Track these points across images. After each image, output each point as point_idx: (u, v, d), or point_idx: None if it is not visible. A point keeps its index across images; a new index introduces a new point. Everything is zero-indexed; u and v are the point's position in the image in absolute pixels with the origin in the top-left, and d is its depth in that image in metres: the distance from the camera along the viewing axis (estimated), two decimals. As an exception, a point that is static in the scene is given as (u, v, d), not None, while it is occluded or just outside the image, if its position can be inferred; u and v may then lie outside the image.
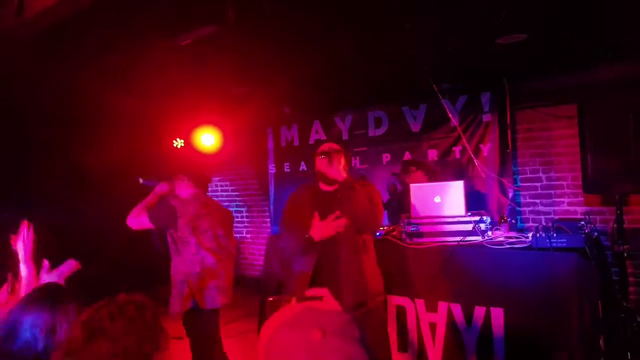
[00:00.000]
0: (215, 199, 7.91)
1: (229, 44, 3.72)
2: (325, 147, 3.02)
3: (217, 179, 7.96)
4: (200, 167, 3.92)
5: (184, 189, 3.53)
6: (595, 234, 3.69)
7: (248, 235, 7.57)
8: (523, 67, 4.73)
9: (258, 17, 3.22)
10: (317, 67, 4.54)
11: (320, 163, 2.97)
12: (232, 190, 7.78)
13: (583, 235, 3.23)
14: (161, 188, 3.55)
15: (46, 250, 2.60)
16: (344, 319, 0.96)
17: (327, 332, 0.90)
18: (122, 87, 4.77)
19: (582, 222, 3.39)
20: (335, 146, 3.02)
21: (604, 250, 3.91)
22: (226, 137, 6.66)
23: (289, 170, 6.84)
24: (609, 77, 4.35)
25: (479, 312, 3.42)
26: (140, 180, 3.67)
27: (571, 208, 4.84)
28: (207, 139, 6.58)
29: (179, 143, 7.06)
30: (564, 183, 4.89)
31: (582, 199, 4.77)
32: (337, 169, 2.96)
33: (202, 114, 6.23)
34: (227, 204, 7.78)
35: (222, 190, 7.92)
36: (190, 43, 3.57)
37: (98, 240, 5.55)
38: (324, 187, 3.05)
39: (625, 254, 3.93)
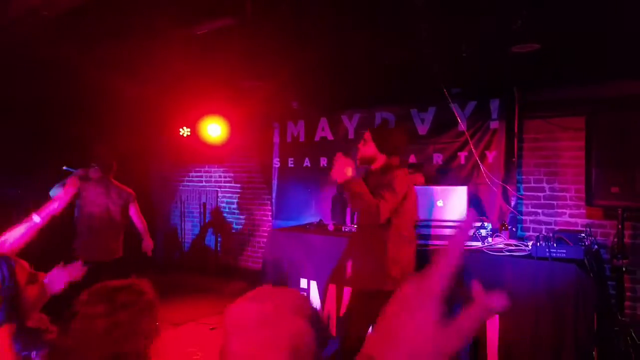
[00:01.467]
0: (219, 189, 7.97)
1: (242, 37, 3.73)
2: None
3: (222, 169, 8.00)
4: (106, 157, 4.74)
5: (94, 174, 4.61)
6: (595, 246, 3.72)
7: (248, 227, 7.60)
8: (534, 77, 4.73)
9: (273, 12, 3.24)
10: (328, 65, 4.55)
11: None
12: (235, 182, 7.81)
13: (583, 248, 3.26)
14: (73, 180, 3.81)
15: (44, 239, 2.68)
16: (297, 296, 1.07)
17: (278, 305, 0.99)
18: (130, 75, 4.78)
19: (583, 235, 3.42)
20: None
21: (602, 264, 3.93)
22: (233, 129, 6.71)
23: (292, 165, 6.86)
24: (618, 92, 4.36)
25: (475, 317, 3.45)
26: (64, 167, 4.42)
27: (572, 220, 4.85)
28: (214, 129, 6.64)
29: (185, 132, 7.14)
30: (567, 195, 4.90)
31: (584, 211, 4.78)
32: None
33: (210, 104, 6.27)
34: (229, 195, 7.82)
35: (225, 182, 7.95)
36: (206, 33, 3.60)
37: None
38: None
39: (624, 269, 3.95)
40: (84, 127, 5.89)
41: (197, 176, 8.37)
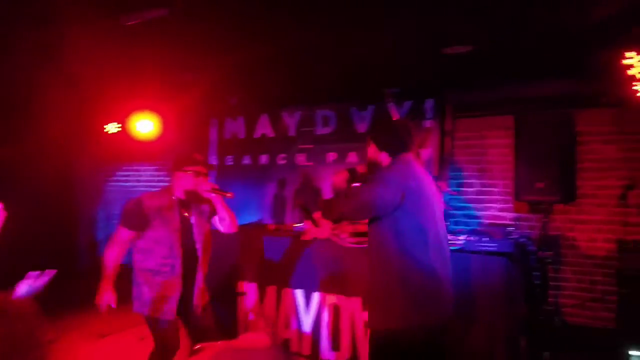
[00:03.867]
0: (151, 190, 7.60)
1: (173, 28, 3.60)
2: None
3: (153, 168, 7.64)
4: None
5: None
6: (522, 239, 3.95)
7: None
8: (465, 78, 4.96)
9: (205, 2, 3.15)
10: (266, 60, 4.48)
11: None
12: (169, 182, 7.51)
13: (511, 241, 3.45)
14: None
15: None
16: (271, 355, 0.88)
17: None
18: (53, 66, 4.46)
19: (511, 228, 3.63)
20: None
21: (529, 256, 4.18)
22: (166, 125, 6.40)
23: (231, 163, 6.74)
24: (543, 92, 4.66)
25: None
26: None
27: (501, 214, 5.14)
28: (145, 125, 6.28)
29: (113, 128, 6.70)
30: (496, 190, 5.18)
31: (511, 205, 5.07)
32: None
33: (141, 98, 5.95)
34: (164, 193, 7.50)
35: (157, 181, 7.60)
36: (134, 24, 3.44)
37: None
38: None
39: (548, 260, 4.23)
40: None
41: (124, 176, 7.93)
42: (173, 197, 3.11)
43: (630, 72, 3.43)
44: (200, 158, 3.20)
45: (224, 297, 4.34)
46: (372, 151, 2.73)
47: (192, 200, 3.14)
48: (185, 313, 3.10)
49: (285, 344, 4.02)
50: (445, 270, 2.53)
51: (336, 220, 2.80)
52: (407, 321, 2.38)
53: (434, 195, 2.61)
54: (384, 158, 2.67)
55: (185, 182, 3.08)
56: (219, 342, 1.13)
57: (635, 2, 2.90)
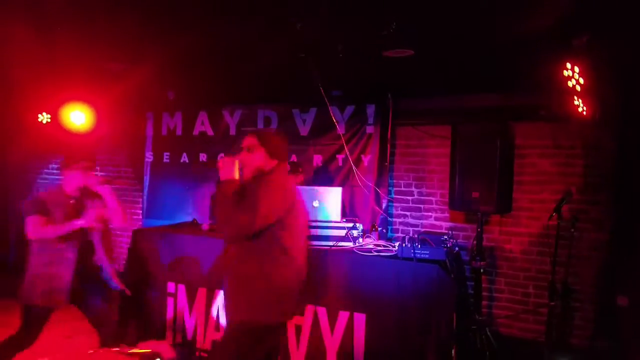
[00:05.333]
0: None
1: (98, 14, 3.37)
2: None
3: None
4: None
5: None
6: (457, 249, 3.93)
7: (115, 228, 6.99)
8: (406, 86, 4.94)
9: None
10: (204, 54, 4.29)
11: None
12: (103, 177, 7.15)
13: (445, 249, 3.41)
14: None
15: None
16: None
17: None
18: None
19: (445, 237, 3.59)
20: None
21: (463, 265, 4.18)
22: (100, 117, 6.10)
23: (168, 160, 6.45)
24: (482, 103, 4.70)
25: (343, 316, 3.45)
26: None
27: (437, 223, 5.13)
28: (77, 116, 5.98)
29: (44, 118, 6.39)
30: (433, 199, 5.17)
31: (447, 214, 5.08)
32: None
33: (73, 88, 5.63)
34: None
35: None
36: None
37: None
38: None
39: (482, 270, 4.23)
40: None
41: (57, 168, 7.53)
42: (66, 195, 3.32)
43: (569, 84, 3.46)
44: (83, 154, 3.40)
45: (153, 298, 4.24)
46: (261, 157, 2.75)
47: (84, 196, 3.37)
48: (80, 303, 3.39)
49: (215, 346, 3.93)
50: (302, 276, 2.79)
51: (237, 237, 2.62)
52: (268, 315, 2.61)
53: (303, 205, 2.88)
54: (271, 165, 2.75)
55: (75, 178, 3.31)
56: (113, 350, 0.96)
57: (574, 13, 2.91)
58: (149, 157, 6.54)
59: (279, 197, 2.60)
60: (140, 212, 6.71)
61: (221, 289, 3.92)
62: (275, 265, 2.60)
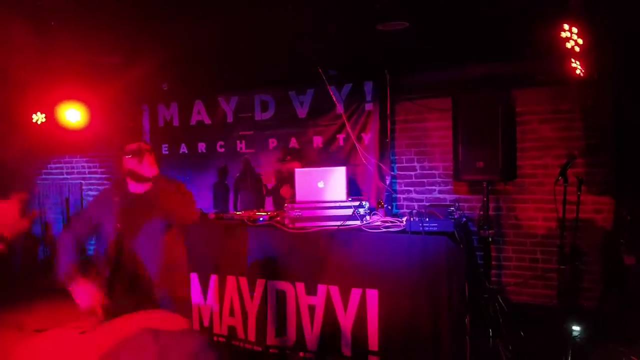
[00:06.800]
0: (83, 182, 7.23)
1: (87, 8, 3.32)
2: (134, 146, 2.80)
3: (85, 159, 7.28)
4: None
5: None
6: (464, 219, 3.94)
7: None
8: (403, 59, 4.89)
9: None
10: (198, 43, 4.25)
11: (130, 162, 2.77)
12: (102, 173, 7.14)
13: (453, 221, 3.41)
14: None
15: None
16: (195, 344, 0.74)
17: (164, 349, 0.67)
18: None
19: (452, 208, 3.59)
20: (145, 145, 2.84)
21: (470, 235, 4.19)
22: (95, 114, 6.06)
23: (167, 152, 6.43)
24: (481, 73, 4.66)
25: (356, 294, 3.48)
26: None
27: (441, 196, 5.14)
28: (72, 114, 5.94)
29: (39, 118, 6.35)
30: (436, 172, 5.18)
31: (451, 187, 5.09)
32: (148, 167, 2.78)
33: (67, 85, 5.58)
34: (96, 187, 7.13)
35: (90, 172, 7.24)
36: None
37: None
38: (133, 187, 2.83)
39: (490, 239, 4.25)
40: None
41: (56, 168, 7.53)
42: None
43: (567, 45, 3.43)
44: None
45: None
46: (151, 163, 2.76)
47: None
48: None
49: (231, 331, 3.94)
50: None
51: None
52: None
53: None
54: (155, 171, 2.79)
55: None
56: (134, 318, 0.93)
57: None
58: (148, 150, 6.50)
59: None
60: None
61: (234, 275, 3.97)
62: None
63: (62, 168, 7.49)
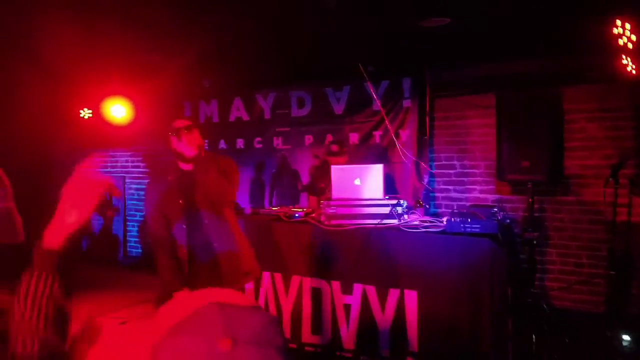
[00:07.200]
0: (126, 175, 7.43)
1: (136, 9, 3.40)
2: (176, 123, 2.79)
3: (128, 154, 7.46)
4: None
5: None
6: (507, 220, 3.82)
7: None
8: (443, 55, 4.79)
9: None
10: (236, 41, 4.29)
11: (172, 141, 2.76)
12: (145, 167, 7.31)
13: (496, 222, 3.30)
14: None
15: None
16: (263, 320, 0.73)
17: (238, 339, 0.68)
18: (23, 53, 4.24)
19: (496, 209, 3.48)
20: (181, 123, 2.79)
21: (514, 237, 4.06)
22: (139, 110, 6.23)
23: (207, 148, 6.48)
24: (527, 69, 4.50)
25: (393, 294, 3.42)
26: None
27: (482, 196, 5.01)
28: (118, 110, 6.14)
29: (86, 113, 6.57)
30: (477, 171, 5.04)
31: (493, 187, 4.94)
32: (186, 145, 2.74)
33: (113, 82, 5.75)
34: (138, 181, 7.31)
35: (133, 167, 7.43)
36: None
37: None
38: (182, 166, 2.82)
39: (535, 242, 4.11)
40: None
41: (100, 162, 7.73)
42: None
43: (619, 42, 3.27)
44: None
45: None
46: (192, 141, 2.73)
47: None
48: None
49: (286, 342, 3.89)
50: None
51: None
52: None
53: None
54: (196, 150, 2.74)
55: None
56: (199, 294, 0.92)
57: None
58: (188, 145, 6.62)
59: None
60: (183, 199, 6.83)
61: (269, 271, 3.98)
62: None
63: (106, 162, 7.71)
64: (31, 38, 4.03)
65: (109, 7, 3.40)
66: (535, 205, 4.55)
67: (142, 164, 7.36)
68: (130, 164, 7.48)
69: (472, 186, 5.08)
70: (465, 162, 5.11)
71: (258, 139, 6.16)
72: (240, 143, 6.28)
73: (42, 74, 5.06)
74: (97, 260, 7.24)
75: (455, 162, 5.16)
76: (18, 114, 6.11)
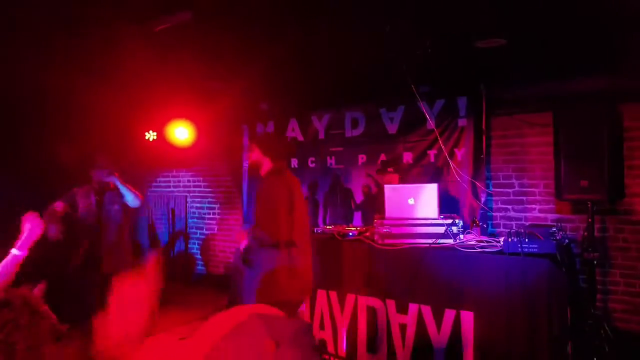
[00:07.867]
0: (188, 195, 7.78)
1: (200, 35, 3.64)
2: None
3: (190, 174, 7.82)
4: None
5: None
6: (567, 241, 3.73)
7: (220, 233, 7.43)
8: (500, 74, 4.76)
9: (230, 7, 3.15)
10: (294, 64, 4.47)
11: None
12: (205, 187, 7.64)
13: (554, 242, 3.25)
14: None
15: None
16: (299, 326, 0.86)
17: (281, 342, 0.80)
18: (93, 76, 4.60)
19: (554, 229, 3.42)
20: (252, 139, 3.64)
21: (573, 258, 3.96)
22: (200, 132, 6.55)
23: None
24: (585, 86, 4.40)
25: (449, 314, 3.42)
26: None
27: (542, 215, 4.89)
28: (181, 132, 6.49)
29: (151, 136, 6.96)
30: (536, 190, 4.94)
31: (553, 206, 4.82)
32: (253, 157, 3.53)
33: (176, 106, 6.11)
34: (199, 200, 7.64)
35: (194, 186, 7.77)
36: (163, 30, 3.48)
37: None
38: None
39: (595, 262, 3.98)
40: (44, 130, 5.62)
41: (164, 181, 8.16)
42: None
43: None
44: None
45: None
46: (257, 155, 3.45)
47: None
48: None
49: (321, 344, 4.01)
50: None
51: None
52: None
53: (302, 196, 3.49)
54: (265, 162, 3.40)
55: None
56: (242, 307, 1.06)
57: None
58: (246, 166, 6.87)
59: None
60: (241, 218, 7.07)
61: (324, 289, 4.07)
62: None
63: (169, 181, 8.11)
64: (110, 66, 4.37)
65: (185, 40, 3.66)
66: (597, 225, 4.40)
67: (202, 184, 7.69)
68: (191, 183, 7.82)
69: (532, 205, 4.98)
70: (524, 181, 5.01)
71: (312, 158, 6.30)
72: (294, 162, 6.45)
73: (114, 99, 5.44)
74: (170, 278, 7.59)
75: (514, 181, 5.08)
76: (92, 138, 6.56)
